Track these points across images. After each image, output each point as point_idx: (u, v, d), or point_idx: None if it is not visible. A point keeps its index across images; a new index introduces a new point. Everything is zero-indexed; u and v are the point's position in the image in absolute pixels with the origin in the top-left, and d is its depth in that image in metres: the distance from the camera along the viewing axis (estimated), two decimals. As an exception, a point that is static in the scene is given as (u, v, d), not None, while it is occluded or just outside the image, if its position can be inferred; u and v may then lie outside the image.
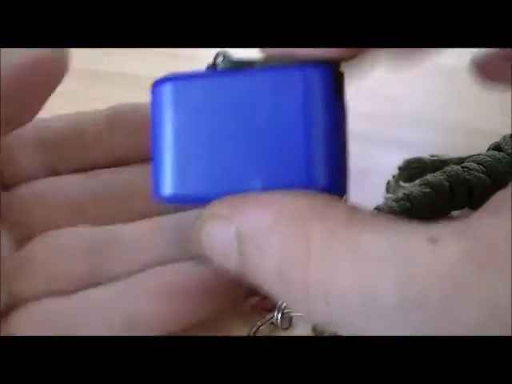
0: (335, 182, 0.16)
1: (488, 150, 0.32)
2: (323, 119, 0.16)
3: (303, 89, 0.16)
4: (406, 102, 0.38)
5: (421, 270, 0.11)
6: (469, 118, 0.36)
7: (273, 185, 0.15)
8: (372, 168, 0.35)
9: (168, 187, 0.16)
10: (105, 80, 0.46)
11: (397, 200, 0.29)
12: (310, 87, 0.16)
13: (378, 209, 0.29)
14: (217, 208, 0.16)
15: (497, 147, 0.32)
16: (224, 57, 0.16)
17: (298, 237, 0.13)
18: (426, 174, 0.30)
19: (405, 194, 0.29)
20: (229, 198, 0.16)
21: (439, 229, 0.12)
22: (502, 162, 0.30)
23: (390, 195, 0.31)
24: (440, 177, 0.30)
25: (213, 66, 0.17)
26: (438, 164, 0.32)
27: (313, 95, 0.16)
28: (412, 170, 0.32)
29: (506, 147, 0.31)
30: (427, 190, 0.29)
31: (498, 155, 0.31)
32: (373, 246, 0.12)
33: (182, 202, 0.17)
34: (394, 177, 0.32)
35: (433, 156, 0.32)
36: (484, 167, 0.30)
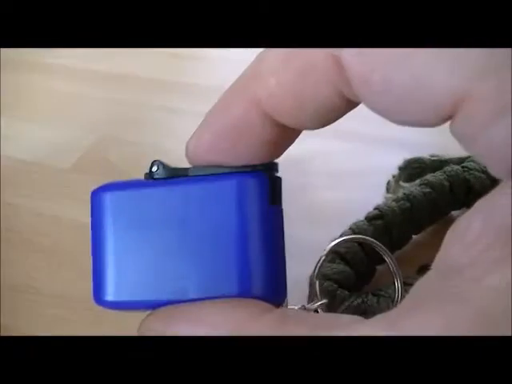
0: (271, 291, 0.16)
1: (488, 149, 0.32)
2: (257, 228, 0.16)
3: (236, 197, 0.16)
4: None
5: None
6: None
7: (210, 293, 0.16)
8: (372, 168, 0.35)
9: (108, 294, 0.17)
10: (105, 80, 0.47)
11: (397, 200, 0.29)
12: (244, 196, 0.16)
13: (377, 209, 0.29)
14: (152, 323, 0.16)
15: (497, 147, 0.32)
16: (158, 166, 0.17)
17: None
18: (425, 174, 0.30)
19: (405, 193, 0.29)
20: (163, 310, 0.16)
21: (368, 328, 0.12)
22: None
23: (389, 195, 0.31)
24: (440, 177, 0.30)
25: (149, 175, 0.17)
26: (437, 164, 0.32)
27: (247, 204, 0.16)
28: (412, 169, 0.32)
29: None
30: (427, 189, 0.29)
31: (497, 155, 0.31)
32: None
33: (123, 308, 0.17)
34: (393, 177, 0.32)
35: (433, 156, 0.32)
36: (484, 167, 0.30)
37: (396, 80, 0.13)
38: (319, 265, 0.25)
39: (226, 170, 0.16)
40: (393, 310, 0.12)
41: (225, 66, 0.48)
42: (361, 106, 0.16)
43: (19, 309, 0.29)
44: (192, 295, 0.16)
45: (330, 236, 0.28)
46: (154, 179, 0.17)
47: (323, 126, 0.16)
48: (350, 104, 0.15)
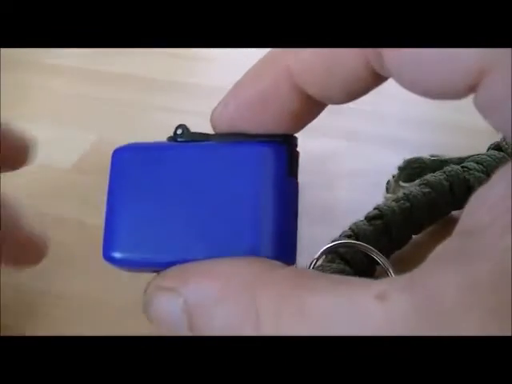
0: (282, 253, 0.16)
1: (488, 149, 0.32)
2: (272, 196, 0.16)
3: (255, 165, 0.16)
4: (407, 102, 0.38)
5: (371, 328, 0.11)
6: (469, 118, 0.36)
7: (220, 253, 0.16)
8: (372, 168, 0.35)
9: (117, 251, 0.17)
10: (105, 80, 0.47)
11: (396, 200, 0.29)
12: (262, 164, 0.16)
13: (377, 209, 0.29)
14: (163, 280, 0.16)
15: (497, 147, 0.32)
16: (183, 130, 0.17)
17: (246, 307, 0.13)
18: (425, 174, 0.30)
19: (404, 193, 0.29)
20: (174, 268, 0.16)
21: (385, 285, 0.12)
22: (502, 162, 0.30)
23: (389, 195, 0.31)
24: (440, 177, 0.30)
25: (173, 138, 0.17)
26: (437, 164, 0.32)
27: (264, 172, 0.16)
28: (412, 169, 0.32)
29: (506, 147, 0.31)
30: (427, 189, 0.29)
31: (497, 155, 0.31)
32: (320, 308, 0.12)
33: (130, 266, 0.17)
34: (393, 177, 0.32)
35: (433, 156, 0.32)
36: (484, 167, 0.30)
37: (427, 50, 0.14)
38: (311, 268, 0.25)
39: (248, 139, 0.17)
40: (413, 271, 0.12)
41: (225, 66, 0.48)
42: (361, 107, 0.16)
43: (20, 309, 0.29)
44: (202, 255, 0.16)
45: (329, 235, 0.28)
46: (177, 141, 0.17)
47: (349, 100, 0.16)
48: (377, 78, 0.15)
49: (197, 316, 0.15)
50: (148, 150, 0.17)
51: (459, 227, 0.13)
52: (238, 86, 0.17)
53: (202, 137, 0.17)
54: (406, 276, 0.12)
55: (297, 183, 0.17)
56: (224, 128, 0.17)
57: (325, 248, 0.26)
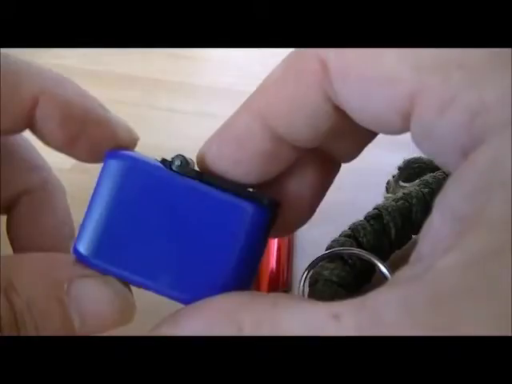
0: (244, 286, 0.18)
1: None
2: (251, 248, 0.18)
3: (238, 220, 0.18)
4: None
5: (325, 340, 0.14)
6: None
7: (184, 287, 0.17)
8: (372, 168, 0.35)
9: (85, 247, 0.18)
10: (105, 80, 0.47)
11: (396, 200, 0.29)
12: (246, 222, 0.18)
13: (377, 209, 0.29)
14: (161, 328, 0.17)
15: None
16: (181, 161, 0.17)
17: (230, 328, 0.15)
18: (425, 174, 0.30)
19: (404, 193, 0.29)
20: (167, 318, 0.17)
21: (340, 307, 0.14)
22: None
23: (389, 195, 0.31)
24: (439, 177, 0.30)
25: (168, 165, 0.18)
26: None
27: (246, 230, 0.18)
28: (412, 169, 0.32)
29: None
30: (426, 189, 0.29)
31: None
32: (290, 326, 0.14)
33: (93, 267, 0.18)
34: (393, 177, 0.32)
35: (432, 156, 0.32)
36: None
37: (366, 73, 0.15)
38: (303, 279, 0.26)
39: (237, 189, 0.18)
40: (367, 294, 0.14)
41: (225, 66, 0.48)
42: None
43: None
44: (162, 285, 0.17)
45: (329, 236, 0.28)
46: (172, 170, 0.18)
47: (317, 138, 0.17)
48: (337, 111, 0.17)
49: None
50: (143, 169, 0.18)
51: (411, 257, 0.15)
52: (218, 129, 0.18)
53: (196, 174, 0.18)
54: (360, 298, 0.14)
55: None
56: (208, 166, 0.18)
57: (322, 255, 0.27)
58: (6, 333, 0.17)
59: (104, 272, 0.18)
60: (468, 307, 0.12)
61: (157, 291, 0.18)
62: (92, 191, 0.18)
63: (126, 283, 0.18)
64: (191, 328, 0.16)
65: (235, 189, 0.18)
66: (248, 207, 0.17)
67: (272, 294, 0.16)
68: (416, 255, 0.15)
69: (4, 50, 0.19)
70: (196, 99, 0.44)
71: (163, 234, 0.17)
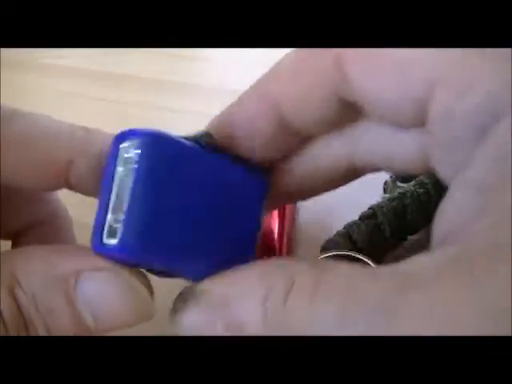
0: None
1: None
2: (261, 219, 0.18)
3: (259, 193, 0.18)
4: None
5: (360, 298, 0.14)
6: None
7: (222, 261, 0.17)
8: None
9: (137, 239, 0.15)
10: (105, 80, 0.47)
11: (390, 199, 0.29)
12: (263, 195, 0.18)
13: (371, 208, 0.29)
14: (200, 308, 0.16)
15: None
16: (210, 137, 0.17)
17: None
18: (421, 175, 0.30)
19: (399, 193, 0.29)
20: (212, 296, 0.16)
21: (377, 268, 0.14)
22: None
23: (387, 195, 0.31)
24: (436, 177, 0.30)
25: (195, 139, 0.17)
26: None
27: (262, 201, 0.19)
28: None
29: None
30: (421, 189, 0.29)
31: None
32: (331, 280, 0.15)
33: (130, 260, 0.16)
34: (391, 177, 0.32)
35: (430, 156, 0.32)
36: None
37: (383, 59, 0.16)
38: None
39: (246, 164, 0.18)
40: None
41: (225, 66, 0.48)
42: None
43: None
44: (198, 267, 0.16)
45: (327, 235, 0.28)
46: (201, 146, 0.17)
47: (320, 128, 0.18)
48: (347, 108, 0.17)
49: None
50: (175, 146, 0.16)
51: (432, 244, 0.15)
52: (230, 107, 0.19)
53: (221, 150, 0.17)
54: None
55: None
56: (225, 132, 0.18)
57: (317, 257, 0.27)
58: (13, 333, 0.15)
59: (146, 263, 0.16)
60: None
61: (191, 276, 0.17)
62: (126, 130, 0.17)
63: (146, 277, 0.17)
64: (227, 285, 0.16)
65: (245, 164, 0.18)
66: (263, 180, 0.18)
67: (308, 259, 0.16)
68: (439, 237, 0.15)
69: (29, 109, 0.19)
70: (196, 99, 0.44)
71: (196, 212, 0.16)
